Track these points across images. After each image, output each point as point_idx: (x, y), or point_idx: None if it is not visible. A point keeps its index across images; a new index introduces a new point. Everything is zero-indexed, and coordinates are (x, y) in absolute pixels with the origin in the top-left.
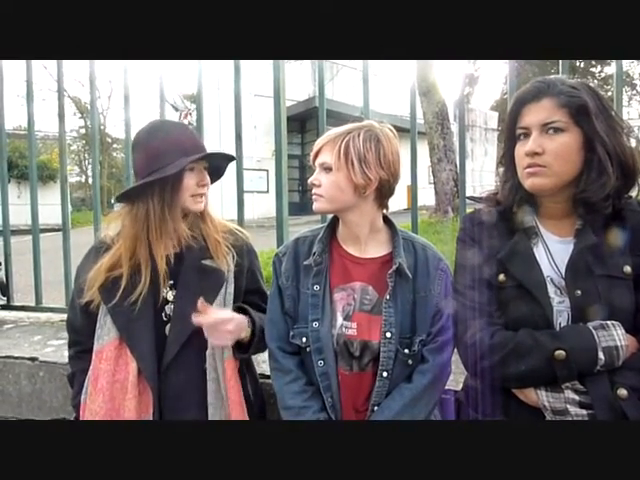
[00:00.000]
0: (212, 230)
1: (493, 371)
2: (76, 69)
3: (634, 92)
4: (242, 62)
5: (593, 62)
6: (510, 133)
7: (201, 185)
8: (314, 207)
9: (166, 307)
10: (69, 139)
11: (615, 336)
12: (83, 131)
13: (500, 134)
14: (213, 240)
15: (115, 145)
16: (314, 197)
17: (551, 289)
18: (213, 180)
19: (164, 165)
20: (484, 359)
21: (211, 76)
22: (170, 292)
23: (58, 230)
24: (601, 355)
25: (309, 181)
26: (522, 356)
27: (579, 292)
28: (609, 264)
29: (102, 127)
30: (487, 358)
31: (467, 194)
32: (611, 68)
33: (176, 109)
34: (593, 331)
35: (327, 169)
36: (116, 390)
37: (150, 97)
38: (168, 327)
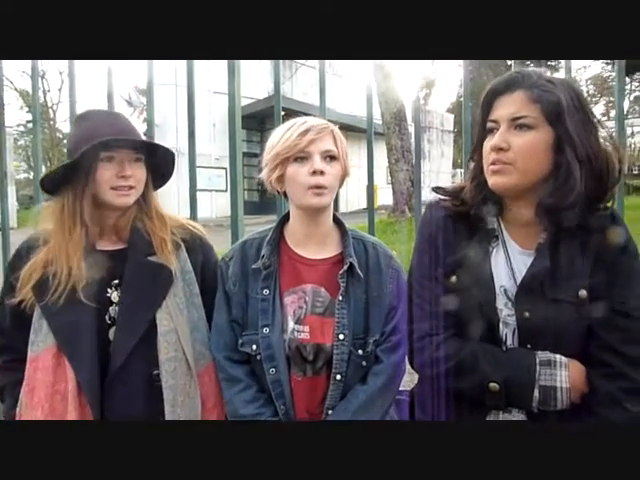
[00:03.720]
0: (157, 227)
1: (439, 378)
2: (23, 60)
3: None
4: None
5: (544, 67)
6: (482, 126)
7: (120, 177)
8: (322, 203)
9: (110, 309)
10: (16, 134)
11: (557, 377)
12: (31, 125)
13: (456, 136)
14: (158, 237)
15: (66, 140)
16: (319, 191)
17: (501, 301)
18: (159, 178)
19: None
20: (431, 366)
21: (168, 72)
22: (115, 292)
23: None
24: (536, 393)
25: (315, 168)
26: (461, 376)
27: (527, 314)
28: (564, 287)
29: (51, 122)
30: (433, 366)
31: (424, 195)
32: (560, 74)
33: (130, 104)
34: (537, 367)
35: (332, 158)
36: (56, 402)
37: (102, 91)
38: (112, 331)
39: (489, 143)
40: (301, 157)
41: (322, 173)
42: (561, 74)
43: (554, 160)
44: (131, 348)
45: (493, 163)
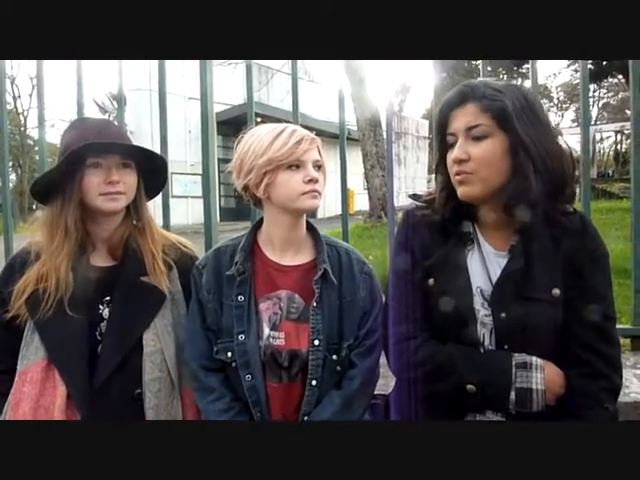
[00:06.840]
0: (150, 245)
1: (417, 381)
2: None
3: (551, 104)
4: (171, 64)
5: (514, 75)
6: (441, 139)
7: (108, 183)
8: (314, 205)
9: (102, 325)
10: None
11: (533, 379)
12: None
13: (431, 142)
14: (150, 257)
15: (37, 147)
16: (315, 194)
17: (478, 300)
18: (152, 189)
19: None
20: (409, 370)
21: (143, 77)
22: (107, 309)
23: None
24: (513, 395)
25: (312, 177)
26: (439, 378)
27: (503, 315)
28: (537, 286)
29: (22, 128)
30: (411, 370)
31: (399, 201)
32: (530, 81)
33: (105, 110)
34: (513, 369)
35: (319, 167)
36: (40, 416)
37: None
38: (101, 347)
39: (451, 156)
40: (295, 165)
41: (317, 181)
42: (528, 82)
43: (512, 164)
44: (115, 365)
45: (457, 174)
